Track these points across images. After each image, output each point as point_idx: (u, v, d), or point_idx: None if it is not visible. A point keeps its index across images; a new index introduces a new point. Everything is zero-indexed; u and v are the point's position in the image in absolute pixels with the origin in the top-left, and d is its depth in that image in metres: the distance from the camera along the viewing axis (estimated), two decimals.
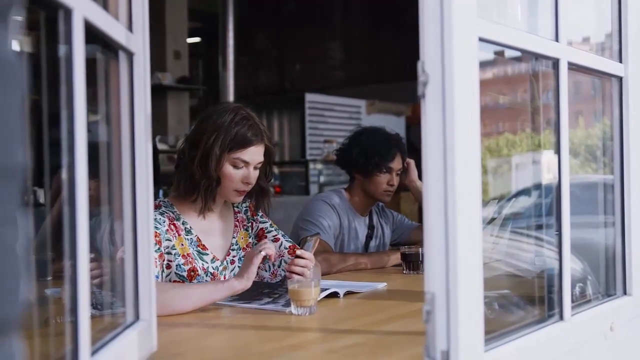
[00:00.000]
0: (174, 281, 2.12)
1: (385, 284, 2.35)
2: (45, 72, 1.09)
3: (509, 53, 1.53)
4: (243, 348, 1.57)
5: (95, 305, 1.33)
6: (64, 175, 1.00)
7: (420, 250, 2.63)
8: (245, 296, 2.03)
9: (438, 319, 1.16)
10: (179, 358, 1.49)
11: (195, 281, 2.14)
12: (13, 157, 0.55)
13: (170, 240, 2.12)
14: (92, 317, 1.06)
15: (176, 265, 2.13)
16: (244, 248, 2.33)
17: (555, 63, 1.50)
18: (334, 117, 8.13)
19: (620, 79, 1.79)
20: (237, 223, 2.35)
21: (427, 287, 1.17)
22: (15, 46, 0.58)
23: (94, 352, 1.08)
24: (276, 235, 2.37)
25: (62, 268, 1.07)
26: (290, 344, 1.59)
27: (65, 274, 1.02)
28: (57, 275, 1.61)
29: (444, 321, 1.15)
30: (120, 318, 1.35)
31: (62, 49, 1.00)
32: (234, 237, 2.32)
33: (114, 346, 1.19)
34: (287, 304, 1.90)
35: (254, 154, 2.18)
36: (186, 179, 2.17)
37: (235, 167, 2.16)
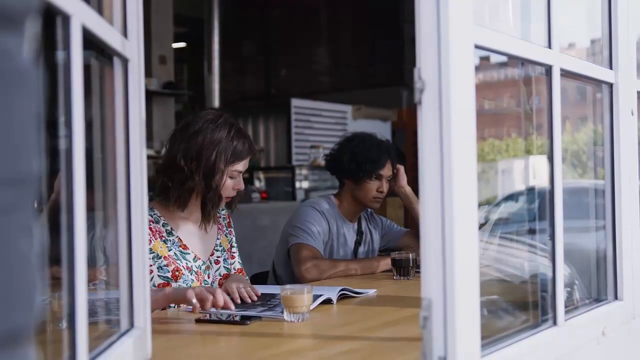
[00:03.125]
0: (158, 285, 2.14)
1: (375, 290, 2.35)
2: (41, 77, 1.08)
3: (494, 58, 1.54)
4: (237, 355, 1.56)
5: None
6: (62, 181, 0.99)
7: (410, 255, 2.63)
8: (239, 306, 2.03)
9: (435, 325, 1.16)
10: None
11: (180, 280, 2.20)
12: (29, 166, 0.55)
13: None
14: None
15: (158, 268, 2.18)
16: (227, 250, 2.42)
17: (548, 70, 1.51)
18: (320, 122, 8.14)
19: (610, 85, 1.80)
20: (220, 226, 2.43)
21: (424, 293, 1.17)
22: (30, 55, 0.58)
23: None
24: (235, 252, 2.48)
25: (54, 275, 1.07)
26: (284, 351, 1.59)
27: (63, 281, 1.01)
28: (49, 283, 1.60)
29: (441, 327, 1.15)
30: (114, 325, 1.35)
31: (59, 55, 1.00)
32: (218, 239, 2.39)
33: (110, 354, 1.18)
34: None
35: (247, 163, 2.31)
36: (187, 192, 2.23)
37: (231, 177, 2.27)
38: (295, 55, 9.76)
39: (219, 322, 1.85)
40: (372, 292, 2.33)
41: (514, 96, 1.92)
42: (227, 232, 2.46)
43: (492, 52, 1.34)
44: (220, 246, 2.39)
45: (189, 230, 2.30)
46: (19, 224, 0.53)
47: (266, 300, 2.12)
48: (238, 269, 2.43)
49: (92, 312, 1.39)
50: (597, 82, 1.82)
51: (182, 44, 9.78)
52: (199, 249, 2.31)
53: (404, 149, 7.56)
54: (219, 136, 2.22)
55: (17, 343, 0.53)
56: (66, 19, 0.98)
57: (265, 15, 9.98)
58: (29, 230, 0.55)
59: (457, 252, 1.15)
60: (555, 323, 1.51)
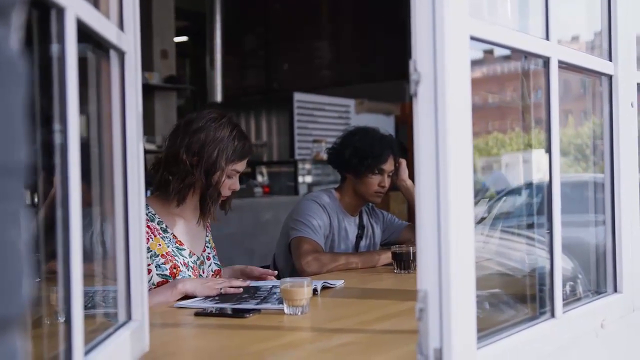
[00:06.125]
0: (158, 282, 2.16)
1: (342, 281, 2.36)
2: (35, 71, 1.08)
3: (498, 52, 1.54)
4: (236, 348, 1.57)
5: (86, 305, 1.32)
6: (57, 176, 0.99)
7: (411, 249, 2.63)
8: (229, 300, 2.02)
9: (431, 317, 1.16)
10: (170, 358, 1.49)
11: (179, 277, 2.22)
12: (17, 155, 0.55)
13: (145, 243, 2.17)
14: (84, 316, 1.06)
15: (156, 266, 2.20)
16: (214, 247, 2.47)
17: (546, 61, 1.50)
18: (323, 116, 8.13)
19: (610, 77, 1.80)
20: (208, 224, 2.46)
21: (420, 285, 1.17)
22: (17, 45, 0.58)
23: (87, 352, 1.08)
24: (213, 254, 2.49)
25: (53, 269, 1.07)
26: (283, 343, 1.59)
27: (59, 275, 1.01)
28: (47, 277, 1.61)
29: (436, 319, 1.16)
30: (111, 318, 1.35)
31: (54, 48, 1.00)
32: (207, 236, 2.44)
33: (107, 346, 1.18)
34: (281, 301, 1.89)
35: (245, 164, 2.35)
36: (187, 187, 2.26)
37: (229, 177, 2.30)
38: (297, 50, 9.76)
39: (217, 315, 1.85)
40: (340, 282, 2.35)
41: (518, 90, 1.91)
42: (210, 231, 2.51)
43: (488, 44, 1.33)
44: (209, 243, 2.45)
45: (182, 227, 2.34)
46: (6, 213, 0.54)
47: (253, 293, 2.12)
48: (216, 269, 2.44)
49: (91, 305, 1.39)
50: (597, 74, 1.81)
51: (184, 38, 9.78)
52: (192, 245, 2.35)
53: (407, 143, 7.55)
54: (221, 134, 2.25)
55: (4, 331, 0.53)
56: (60, 11, 0.98)
57: (266, 9, 9.97)
58: (17, 219, 0.55)
59: (453, 243, 1.15)
60: (553, 315, 1.51)
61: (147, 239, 2.19)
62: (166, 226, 2.28)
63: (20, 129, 0.55)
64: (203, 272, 2.35)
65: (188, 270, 2.25)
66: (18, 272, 0.54)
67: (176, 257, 2.24)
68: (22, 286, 0.55)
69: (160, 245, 2.23)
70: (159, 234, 2.24)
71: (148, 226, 2.21)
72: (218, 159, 2.24)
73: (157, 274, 2.19)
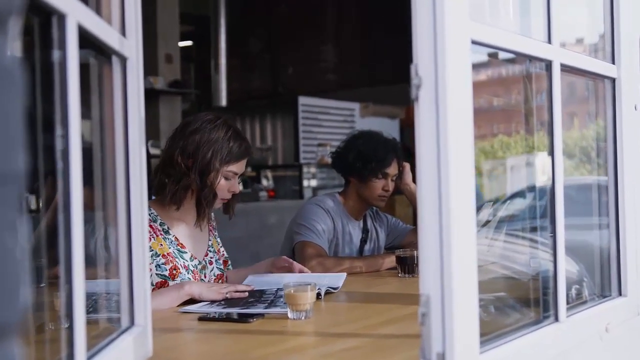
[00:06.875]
0: (157, 283, 2.16)
1: (344, 275, 2.38)
2: (38, 77, 1.08)
3: (502, 55, 1.54)
4: (239, 353, 1.57)
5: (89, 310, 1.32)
6: (59, 181, 1.00)
7: (415, 253, 2.62)
8: (235, 304, 2.02)
9: (433, 321, 1.16)
10: None
11: (178, 279, 2.23)
12: (13, 162, 0.55)
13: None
14: (87, 322, 1.06)
15: (156, 266, 2.20)
16: (217, 251, 2.46)
17: (548, 65, 1.50)
18: (327, 120, 8.13)
19: (613, 80, 1.79)
20: (210, 228, 2.47)
21: (422, 289, 1.17)
22: (15, 52, 0.58)
23: (89, 358, 1.08)
24: (216, 258, 2.48)
25: (56, 274, 1.07)
26: (286, 348, 1.59)
27: (61, 281, 1.02)
28: (51, 282, 1.61)
29: (439, 323, 1.15)
30: (115, 323, 1.35)
31: (55, 54, 1.00)
32: (209, 240, 2.43)
33: (110, 351, 1.18)
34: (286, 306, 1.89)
35: (243, 165, 2.33)
36: (183, 189, 2.25)
37: (226, 178, 2.29)
38: (302, 53, 9.75)
39: (221, 320, 1.85)
40: (342, 276, 2.38)
41: (522, 93, 1.91)
42: (215, 234, 2.50)
43: (490, 48, 1.33)
44: (212, 247, 2.44)
45: (184, 231, 2.33)
46: (3, 220, 0.54)
47: (259, 297, 2.12)
48: (218, 274, 2.44)
49: (94, 310, 1.40)
50: (600, 77, 1.81)
51: (188, 43, 9.78)
52: (194, 249, 2.34)
53: (412, 147, 7.53)
54: (216, 136, 2.25)
55: (2, 338, 0.53)
56: (61, 18, 0.98)
57: (271, 13, 9.97)
58: (15, 227, 0.55)
59: (455, 247, 1.14)
60: (557, 319, 1.50)
61: (149, 238, 2.19)
62: (168, 228, 2.28)
63: (19, 136, 0.55)
64: (205, 277, 2.34)
65: (188, 273, 2.25)
66: (16, 279, 0.54)
67: (177, 259, 2.24)
68: (19, 293, 0.55)
69: (161, 245, 2.23)
70: (161, 234, 2.25)
71: (150, 226, 2.21)
72: (212, 160, 2.23)
73: (156, 274, 2.19)
